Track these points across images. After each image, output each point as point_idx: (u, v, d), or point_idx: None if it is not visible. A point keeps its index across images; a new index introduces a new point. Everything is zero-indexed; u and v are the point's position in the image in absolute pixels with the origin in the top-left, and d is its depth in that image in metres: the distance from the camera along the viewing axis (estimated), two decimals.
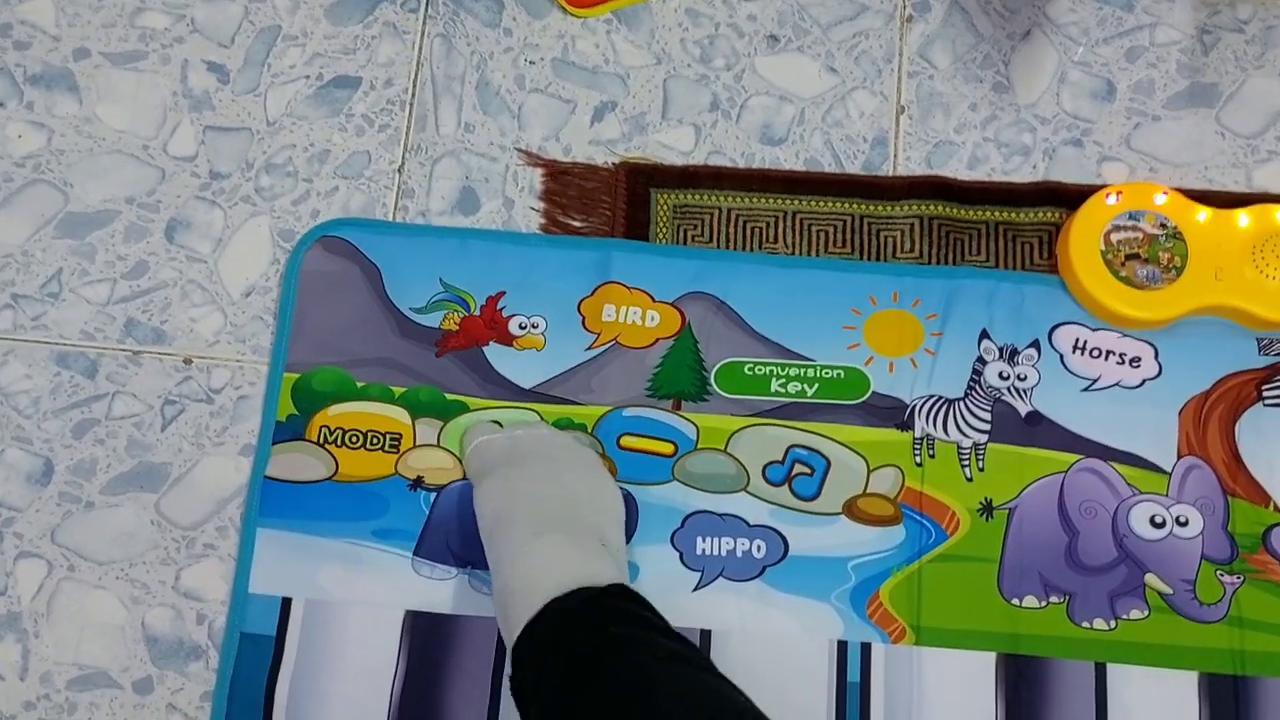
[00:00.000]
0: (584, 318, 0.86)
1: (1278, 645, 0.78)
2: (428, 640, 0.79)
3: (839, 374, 0.85)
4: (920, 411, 0.83)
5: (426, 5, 0.94)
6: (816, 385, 0.84)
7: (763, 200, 0.89)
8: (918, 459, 0.83)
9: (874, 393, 0.84)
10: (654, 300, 0.86)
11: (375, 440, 0.82)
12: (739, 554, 0.81)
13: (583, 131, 0.91)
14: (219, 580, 0.82)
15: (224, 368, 0.86)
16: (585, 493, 0.76)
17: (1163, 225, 0.84)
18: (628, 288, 0.86)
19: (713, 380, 0.84)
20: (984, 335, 0.85)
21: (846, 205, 0.89)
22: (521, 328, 0.85)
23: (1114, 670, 0.78)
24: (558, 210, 0.89)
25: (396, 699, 0.78)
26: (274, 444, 0.82)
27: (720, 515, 0.81)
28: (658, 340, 0.85)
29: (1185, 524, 0.81)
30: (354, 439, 0.82)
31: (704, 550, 0.81)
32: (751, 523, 0.81)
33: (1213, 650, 0.78)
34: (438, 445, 0.82)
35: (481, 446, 0.80)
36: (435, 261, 0.86)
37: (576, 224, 0.89)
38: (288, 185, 0.90)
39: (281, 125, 0.91)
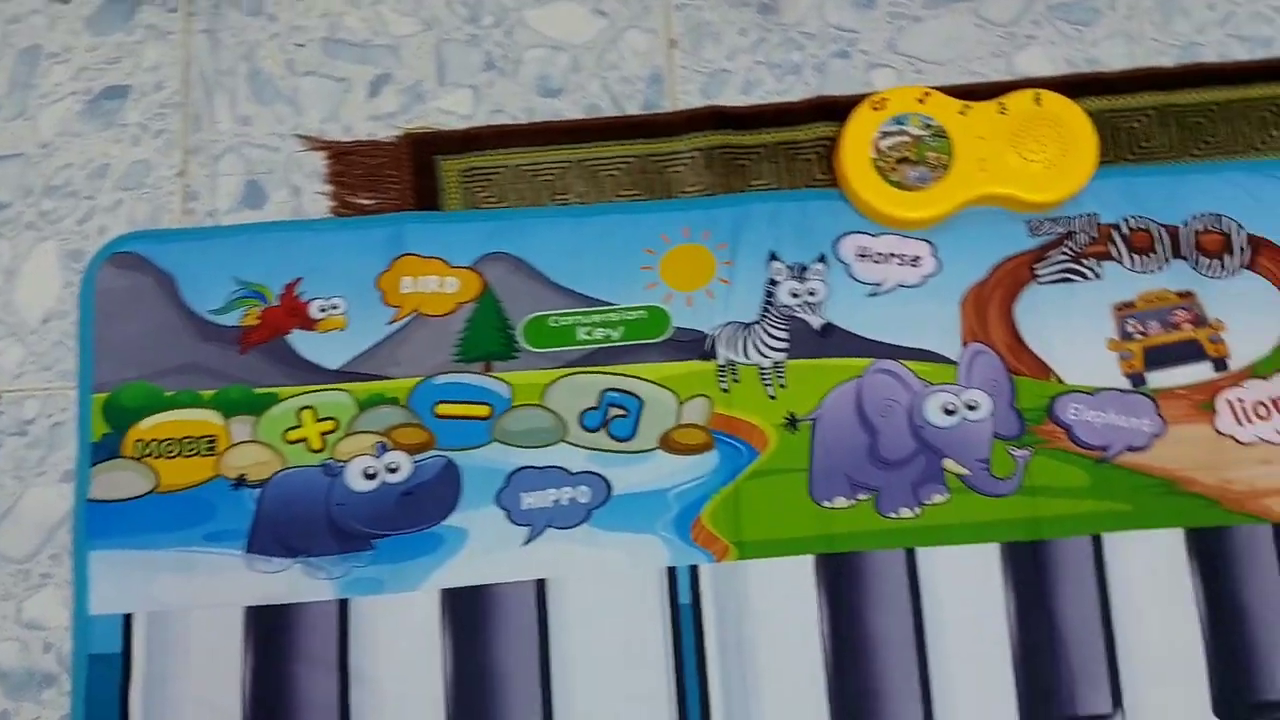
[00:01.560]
0: (383, 293, 0.87)
1: (1068, 508, 0.83)
2: (271, 632, 0.81)
3: (641, 314, 0.87)
4: (720, 339, 0.87)
5: (187, 2, 0.93)
6: (621, 328, 0.87)
7: (548, 153, 0.90)
8: (723, 385, 0.86)
9: (675, 328, 0.87)
10: (450, 266, 0.87)
11: (191, 446, 0.83)
12: (564, 502, 0.84)
13: (360, 108, 0.91)
14: (60, 607, 0.83)
15: (33, 398, 0.86)
16: None
17: (927, 125, 0.87)
18: (423, 258, 0.87)
19: (520, 337, 0.86)
20: (773, 257, 0.88)
21: (630, 147, 0.90)
22: (322, 310, 0.86)
23: (922, 554, 0.83)
24: (346, 191, 0.90)
25: (249, 693, 0.80)
26: (93, 465, 0.83)
27: (542, 469, 0.84)
28: (459, 305, 0.87)
29: (975, 408, 0.85)
30: (170, 448, 0.83)
31: (530, 505, 0.84)
32: (573, 471, 0.84)
33: (1010, 521, 0.83)
34: (254, 440, 0.83)
35: None
36: (228, 260, 0.87)
37: (366, 202, 0.89)
38: (70, 206, 0.89)
39: (56, 146, 0.90)
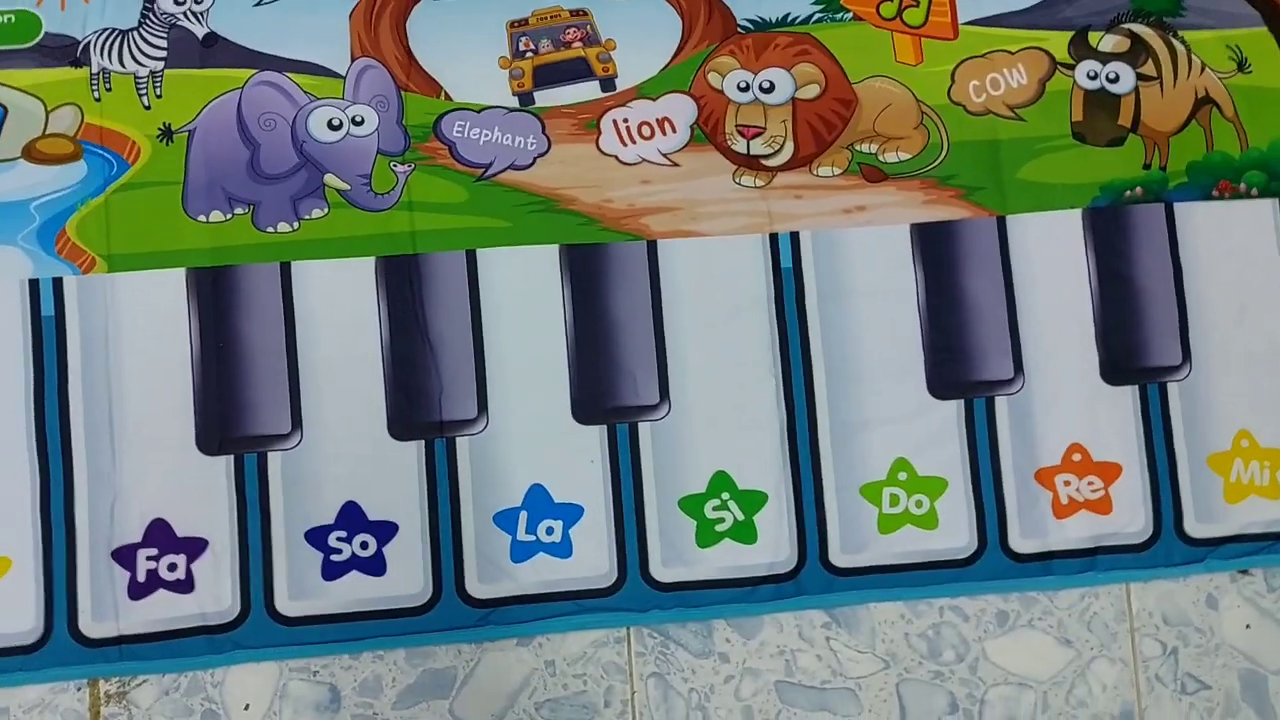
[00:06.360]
0: None
1: (443, 223, 0.83)
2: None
3: (9, 18, 0.82)
4: (95, 46, 0.82)
5: None
6: None
7: None
8: (96, 94, 0.82)
9: (46, 33, 0.82)
10: None
11: None
12: None
13: None
14: None
15: None
16: None
17: None
18: None
19: None
20: None
21: None
22: None
23: (297, 267, 0.82)
24: None
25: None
26: None
27: None
28: None
29: (361, 123, 0.84)
30: None
31: None
32: None
33: (389, 235, 0.83)
34: None
35: None
36: None
37: None
38: None
39: None
